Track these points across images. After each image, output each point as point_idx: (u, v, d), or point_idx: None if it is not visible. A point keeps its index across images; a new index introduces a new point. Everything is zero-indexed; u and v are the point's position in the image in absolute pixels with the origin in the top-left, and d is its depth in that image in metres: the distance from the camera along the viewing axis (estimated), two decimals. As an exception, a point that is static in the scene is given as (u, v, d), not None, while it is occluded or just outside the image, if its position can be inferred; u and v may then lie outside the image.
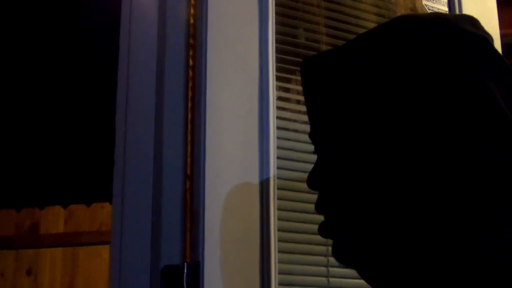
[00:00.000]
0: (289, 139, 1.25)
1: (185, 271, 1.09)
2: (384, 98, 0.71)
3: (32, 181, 3.49)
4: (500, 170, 0.67)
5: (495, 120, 0.68)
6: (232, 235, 1.13)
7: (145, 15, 1.25)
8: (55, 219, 3.53)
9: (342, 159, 0.74)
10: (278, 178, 1.20)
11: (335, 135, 0.76)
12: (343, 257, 0.76)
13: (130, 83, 1.23)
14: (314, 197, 0.78)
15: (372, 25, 1.39)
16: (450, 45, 0.72)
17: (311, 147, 0.82)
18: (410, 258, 0.70)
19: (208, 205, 1.12)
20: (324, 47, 1.33)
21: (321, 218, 0.78)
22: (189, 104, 1.18)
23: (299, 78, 1.28)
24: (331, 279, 1.22)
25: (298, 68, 1.28)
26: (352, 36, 1.33)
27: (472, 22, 0.76)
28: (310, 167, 0.79)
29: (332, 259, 1.21)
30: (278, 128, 1.23)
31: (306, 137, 1.24)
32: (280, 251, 1.17)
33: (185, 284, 1.08)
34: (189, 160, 1.15)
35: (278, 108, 1.25)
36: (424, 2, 1.48)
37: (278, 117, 1.24)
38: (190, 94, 1.19)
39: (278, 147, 1.22)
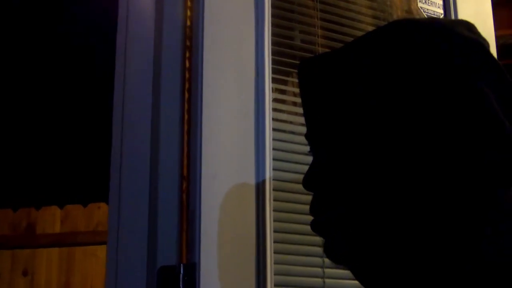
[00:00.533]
0: (285, 141, 1.26)
1: (182, 271, 1.09)
2: (385, 98, 0.71)
3: (28, 181, 3.49)
4: (501, 171, 0.68)
5: (492, 123, 0.69)
6: (228, 236, 1.13)
7: (141, 17, 1.26)
8: (51, 219, 3.52)
9: (341, 159, 0.74)
10: (274, 179, 1.21)
11: (333, 135, 0.76)
12: (340, 257, 0.76)
13: (126, 84, 1.23)
14: (310, 198, 0.79)
15: (367, 27, 1.39)
16: (445, 49, 0.72)
17: (307, 149, 0.83)
18: (411, 259, 0.70)
19: (204, 206, 1.12)
20: (320, 49, 1.33)
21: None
22: (186, 106, 1.19)
23: (295, 80, 1.29)
24: (327, 280, 1.23)
25: (294, 70, 1.30)
26: (348, 38, 1.35)
27: (468, 27, 0.77)
28: (306, 168, 0.79)
29: (327, 260, 1.22)
30: (274, 129, 1.24)
31: (302, 139, 1.25)
32: (276, 252, 1.18)
33: (181, 285, 1.08)
34: (185, 161, 1.16)
35: (274, 109, 1.25)
36: (419, 5, 1.48)
37: (274, 119, 1.24)
38: (186, 95, 1.19)
39: (274, 149, 1.22)
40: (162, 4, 1.25)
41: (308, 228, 0.74)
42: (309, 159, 0.81)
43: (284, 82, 1.30)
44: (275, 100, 1.26)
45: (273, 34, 1.28)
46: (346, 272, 0.79)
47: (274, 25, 1.29)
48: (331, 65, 0.77)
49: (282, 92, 1.29)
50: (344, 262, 0.77)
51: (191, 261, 1.10)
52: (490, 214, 0.68)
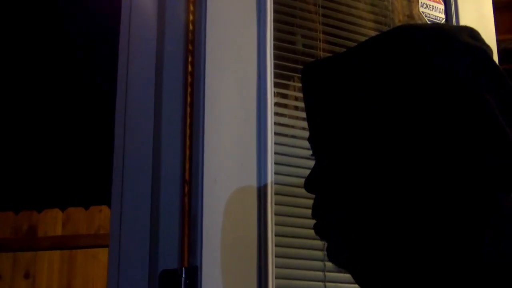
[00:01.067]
0: (286, 145, 1.26)
1: (183, 275, 1.09)
2: (387, 103, 0.72)
3: (30, 184, 3.49)
4: (502, 176, 0.69)
5: (493, 128, 0.69)
6: (229, 239, 1.14)
7: (144, 21, 1.26)
8: (53, 222, 3.52)
9: (342, 163, 0.75)
10: (275, 183, 1.21)
11: (335, 139, 0.76)
12: (342, 260, 0.77)
13: (129, 88, 1.23)
14: (311, 202, 0.79)
15: (369, 32, 1.40)
16: (445, 54, 0.73)
17: (309, 153, 0.83)
18: (411, 263, 0.70)
19: (206, 210, 1.12)
20: (322, 54, 1.34)
21: (318, 223, 0.79)
22: (188, 110, 1.19)
23: (296, 84, 1.29)
24: (328, 284, 1.23)
25: (296, 74, 1.30)
26: (350, 43, 1.35)
27: (472, 33, 0.77)
28: (307, 172, 0.80)
29: (329, 264, 1.22)
30: (276, 133, 1.24)
31: (303, 143, 1.25)
32: (278, 255, 1.18)
33: (183, 289, 1.09)
34: (187, 165, 1.16)
35: (276, 114, 1.26)
36: (421, 10, 1.48)
37: (275, 123, 1.25)
38: (188, 99, 1.20)
39: (276, 153, 1.23)
40: (164, 8, 1.26)
41: (310, 232, 0.74)
42: (311, 163, 0.81)
43: (286, 86, 1.30)
44: (276, 104, 1.27)
45: (275, 39, 1.29)
46: (347, 276, 0.79)
47: (276, 29, 1.29)
48: (334, 70, 0.78)
49: (284, 96, 1.29)
50: (346, 266, 0.77)
51: (192, 264, 1.10)
52: (491, 218, 0.69)
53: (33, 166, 3.48)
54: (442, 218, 0.69)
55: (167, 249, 1.13)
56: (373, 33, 1.38)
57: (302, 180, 0.80)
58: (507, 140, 0.69)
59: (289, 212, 1.23)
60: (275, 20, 1.30)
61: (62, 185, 3.50)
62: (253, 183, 1.18)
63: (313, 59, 1.29)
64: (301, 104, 1.29)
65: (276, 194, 1.20)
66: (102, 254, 3.38)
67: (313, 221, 0.79)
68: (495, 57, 0.94)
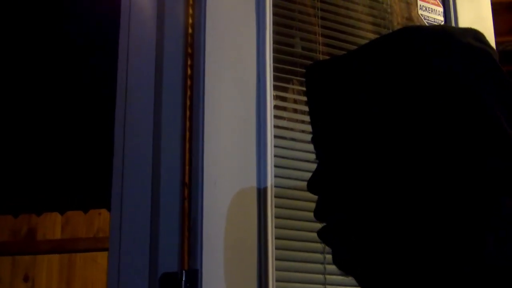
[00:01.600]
0: (286, 148, 1.26)
1: (183, 278, 1.09)
2: (387, 105, 0.72)
3: (29, 187, 3.49)
4: (504, 179, 0.69)
5: (495, 130, 0.69)
6: (230, 242, 1.14)
7: (143, 24, 1.26)
8: (52, 225, 3.52)
9: (343, 165, 0.75)
10: (275, 186, 1.21)
11: (335, 141, 0.76)
12: (344, 263, 0.77)
13: (128, 91, 1.23)
14: (311, 205, 0.79)
15: (368, 35, 1.40)
16: (444, 56, 0.73)
17: (308, 156, 0.83)
18: (412, 265, 0.70)
19: (206, 213, 1.12)
20: (321, 57, 1.34)
21: (318, 226, 0.79)
22: (187, 113, 1.19)
23: (296, 87, 1.30)
24: (328, 287, 1.23)
25: (295, 77, 1.30)
26: (349, 45, 1.35)
27: (476, 35, 0.77)
28: (307, 175, 0.80)
29: (329, 267, 1.22)
30: (275, 136, 1.24)
31: (303, 146, 1.26)
32: (278, 258, 1.18)
33: (183, 292, 1.09)
34: (187, 168, 1.16)
35: (275, 117, 1.26)
36: (420, 12, 1.49)
37: (275, 126, 1.25)
38: (188, 102, 1.20)
39: (275, 156, 1.23)
40: (164, 11, 1.26)
41: (310, 235, 0.74)
42: (311, 165, 0.82)
43: (285, 89, 1.30)
44: (276, 107, 1.27)
45: (274, 42, 1.29)
46: (348, 279, 0.79)
47: (275, 32, 1.30)
48: (334, 72, 0.78)
49: (283, 99, 1.30)
50: (346, 268, 0.77)
51: (193, 267, 1.10)
52: (493, 221, 0.69)
53: (32, 170, 3.48)
54: (444, 221, 0.69)
55: (167, 252, 1.13)
56: (372, 36, 1.38)
57: (302, 183, 0.80)
58: (509, 142, 0.69)
59: (289, 215, 1.23)
60: (274, 23, 1.30)
61: (61, 189, 3.50)
62: (253, 186, 1.19)
63: (312, 62, 1.29)
64: (301, 107, 1.30)
65: (276, 197, 1.21)
66: (101, 258, 3.37)
67: (314, 223, 0.79)
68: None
